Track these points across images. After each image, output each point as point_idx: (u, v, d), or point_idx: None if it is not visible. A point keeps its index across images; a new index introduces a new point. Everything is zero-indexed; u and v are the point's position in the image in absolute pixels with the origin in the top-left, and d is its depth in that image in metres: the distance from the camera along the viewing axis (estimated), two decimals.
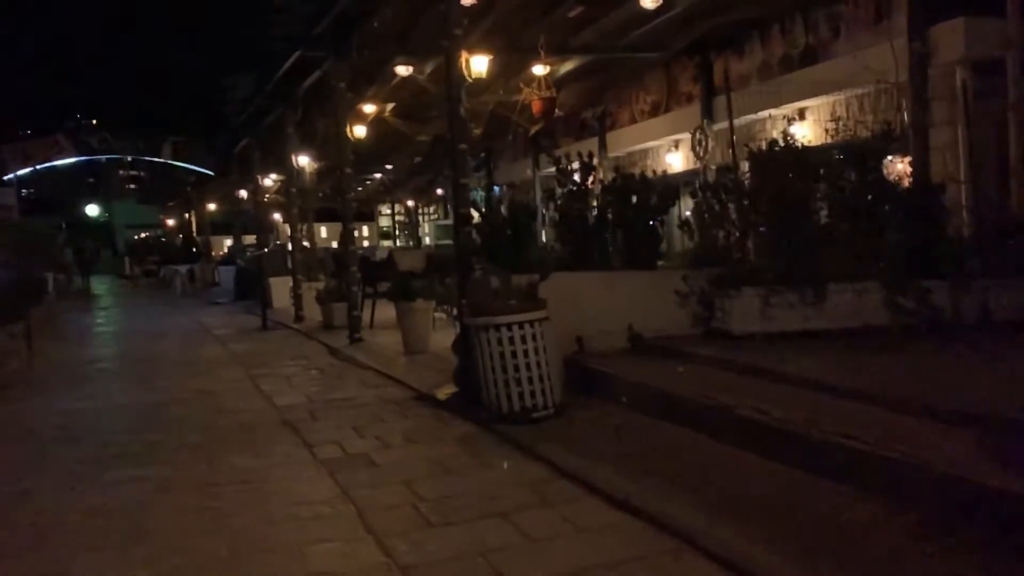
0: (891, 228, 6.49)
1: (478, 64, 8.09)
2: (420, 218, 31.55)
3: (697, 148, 12.01)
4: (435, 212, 31.69)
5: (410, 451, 5.04)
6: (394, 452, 5.01)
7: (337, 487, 4.32)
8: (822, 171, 6.56)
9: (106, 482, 4.54)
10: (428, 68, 10.99)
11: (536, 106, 9.33)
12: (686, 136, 12.95)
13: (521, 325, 5.30)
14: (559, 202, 6.47)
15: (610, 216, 6.26)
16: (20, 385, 7.93)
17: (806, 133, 9.65)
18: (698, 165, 11.83)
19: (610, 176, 7.51)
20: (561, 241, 6.48)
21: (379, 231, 38.30)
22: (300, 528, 3.74)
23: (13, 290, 11.02)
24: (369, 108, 12.73)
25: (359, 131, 11.37)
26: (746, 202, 6.32)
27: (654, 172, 7.11)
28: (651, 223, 6.31)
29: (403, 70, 10.94)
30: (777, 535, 3.21)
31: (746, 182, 6.75)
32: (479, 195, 26.75)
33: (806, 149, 6.59)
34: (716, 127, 11.72)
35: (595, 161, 7.21)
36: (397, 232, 34.75)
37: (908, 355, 5.39)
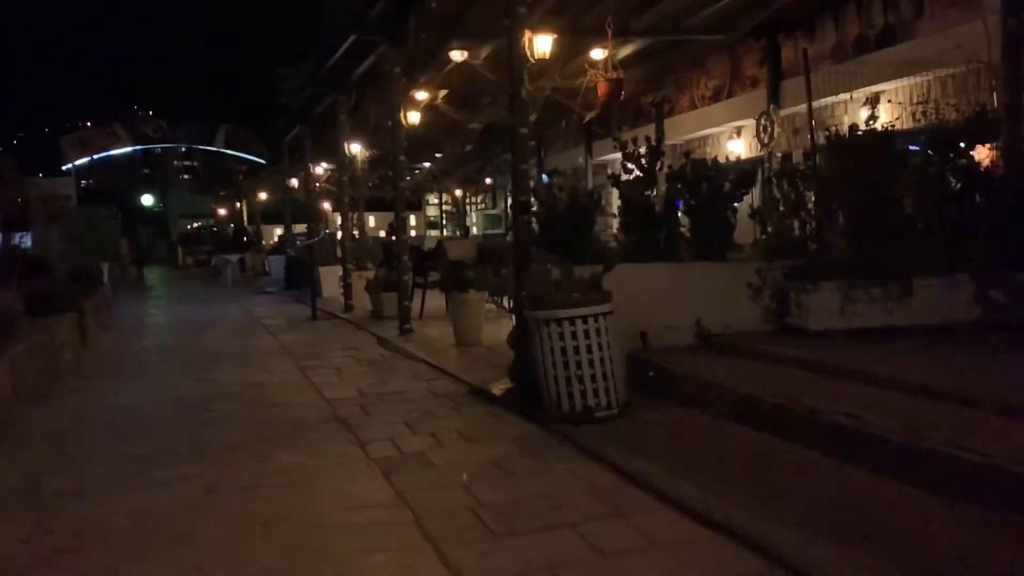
0: (983, 218, 6.01)
1: (541, 44, 7.75)
2: (468, 208, 31.34)
3: (762, 134, 11.51)
4: (482, 202, 31.48)
5: (466, 450, 4.77)
6: (450, 451, 4.75)
7: (392, 489, 4.07)
8: (910, 157, 6.12)
9: (154, 482, 4.36)
10: (484, 53, 10.66)
11: (602, 88, 8.95)
12: (749, 122, 12.46)
13: (584, 319, 5.00)
14: (623, 189, 6.12)
15: (679, 204, 5.90)
16: (72, 377, 7.88)
17: (879, 117, 9.11)
18: (762, 152, 11.33)
19: (676, 163, 7.13)
20: (625, 230, 6.13)
21: (426, 221, 38.22)
22: (355, 535, 3.50)
23: (68, 281, 11.09)
24: (421, 95, 12.46)
25: (413, 117, 11.12)
26: (825, 190, 5.89)
27: (715, 159, 6.71)
28: (724, 211, 5.92)
29: (458, 55, 10.62)
30: (882, 556, 2.86)
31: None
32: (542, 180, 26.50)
33: (889, 133, 6.13)
34: (783, 112, 11.22)
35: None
36: (444, 222, 34.62)
37: (1008, 354, 4.95)
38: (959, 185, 6.18)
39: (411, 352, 8.26)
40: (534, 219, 5.92)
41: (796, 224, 6.29)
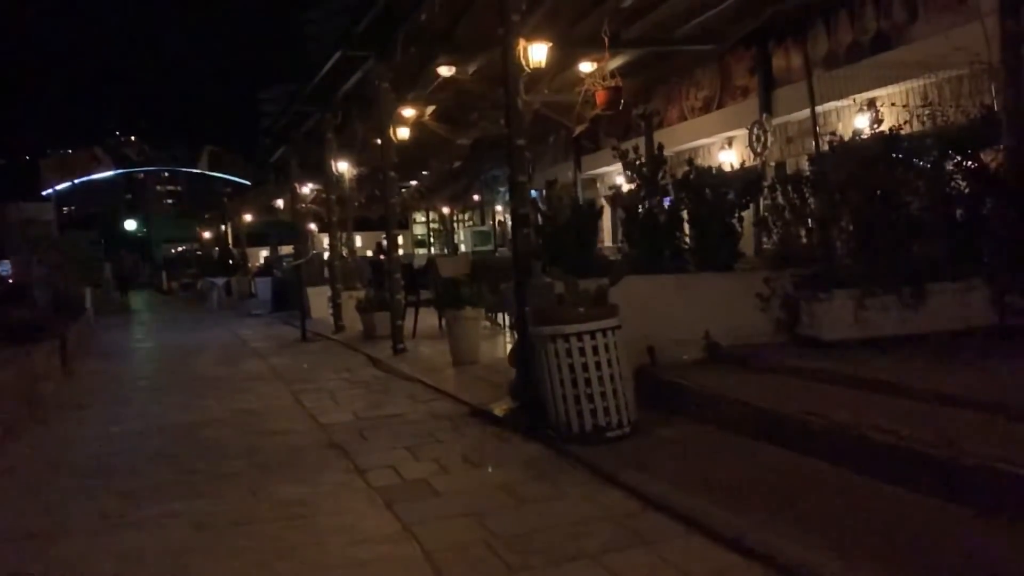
0: (995, 222, 5.85)
1: (537, 53, 7.56)
2: (455, 225, 31.15)
3: (755, 144, 11.39)
4: (470, 219, 31.29)
5: (473, 476, 4.52)
6: (455, 478, 4.49)
7: (397, 521, 3.81)
8: (917, 161, 5.96)
9: (141, 519, 4.08)
10: (472, 68, 10.51)
11: (600, 97, 8.79)
12: (740, 132, 12.35)
13: (592, 334, 4.77)
14: (626, 199, 5.92)
15: (684, 214, 5.70)
16: (54, 407, 7.56)
17: (883, 121, 8.99)
18: (756, 162, 11.19)
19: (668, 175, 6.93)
20: (628, 241, 5.92)
21: (414, 239, 38.01)
22: (360, 574, 3.24)
23: (50, 307, 10.77)
24: (409, 112, 12.30)
25: (402, 133, 10.92)
26: (835, 196, 5.71)
27: (719, 168, 6.54)
28: (729, 220, 5.73)
29: (445, 71, 10.47)
30: None
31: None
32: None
33: (896, 137, 5.97)
34: (775, 121, 11.10)
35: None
36: (432, 240, 34.40)
37: None
38: (968, 188, 6.02)
39: (406, 373, 8.00)
40: (534, 232, 5.71)
41: (803, 232, 6.11)
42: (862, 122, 9.19)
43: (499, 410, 5.82)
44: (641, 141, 14.07)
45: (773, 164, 10.68)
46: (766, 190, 6.13)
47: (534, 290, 5.46)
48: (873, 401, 4.21)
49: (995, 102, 7.06)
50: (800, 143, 11.25)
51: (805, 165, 10.91)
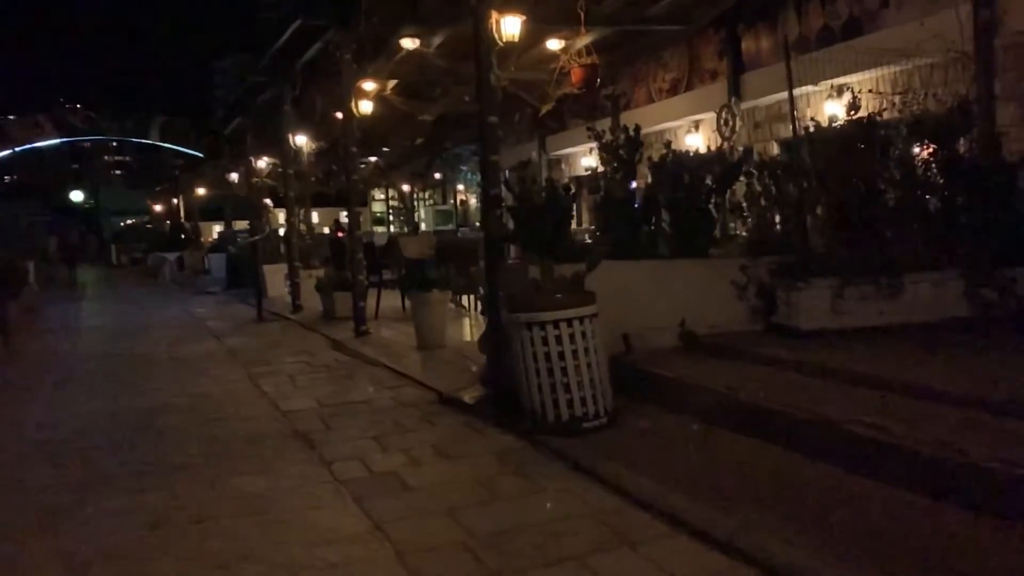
0: (971, 212, 5.82)
1: (510, 26, 7.29)
2: (416, 203, 30.71)
3: (723, 128, 11.30)
4: (430, 197, 30.86)
5: (446, 469, 4.33)
6: (428, 471, 4.30)
7: (367, 519, 3.61)
8: (894, 149, 5.89)
9: (89, 517, 3.80)
10: (437, 41, 10.17)
11: (576, 74, 8.55)
12: (707, 116, 12.25)
13: (570, 322, 4.61)
14: (601, 182, 5.74)
15: (661, 198, 5.54)
16: None
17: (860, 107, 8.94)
18: (724, 146, 11.10)
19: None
20: (603, 226, 5.76)
21: (372, 217, 37.41)
22: None
23: None
24: (370, 86, 11.90)
25: (364, 107, 10.55)
26: (813, 182, 5.61)
27: (697, 151, 6.39)
28: (706, 206, 5.60)
29: (409, 43, 10.09)
30: None
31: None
32: (477, 181, 25.99)
33: (875, 123, 5.89)
34: (744, 106, 11.02)
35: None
36: (391, 218, 33.90)
37: (1011, 351, 4.73)
38: (942, 178, 5.98)
39: (370, 356, 7.76)
40: (507, 214, 5.50)
41: (779, 219, 6.02)
42: (832, 108, 9.14)
43: (469, 397, 5.64)
44: (607, 123, 13.95)
45: (740, 149, 10.58)
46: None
47: (510, 274, 5.27)
48: (859, 395, 4.12)
49: (968, 91, 7.06)
50: (768, 128, 11.20)
51: (773, 150, 10.95)
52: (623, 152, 5.66)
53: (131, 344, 10.09)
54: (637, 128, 5.77)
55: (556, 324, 4.59)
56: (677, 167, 5.59)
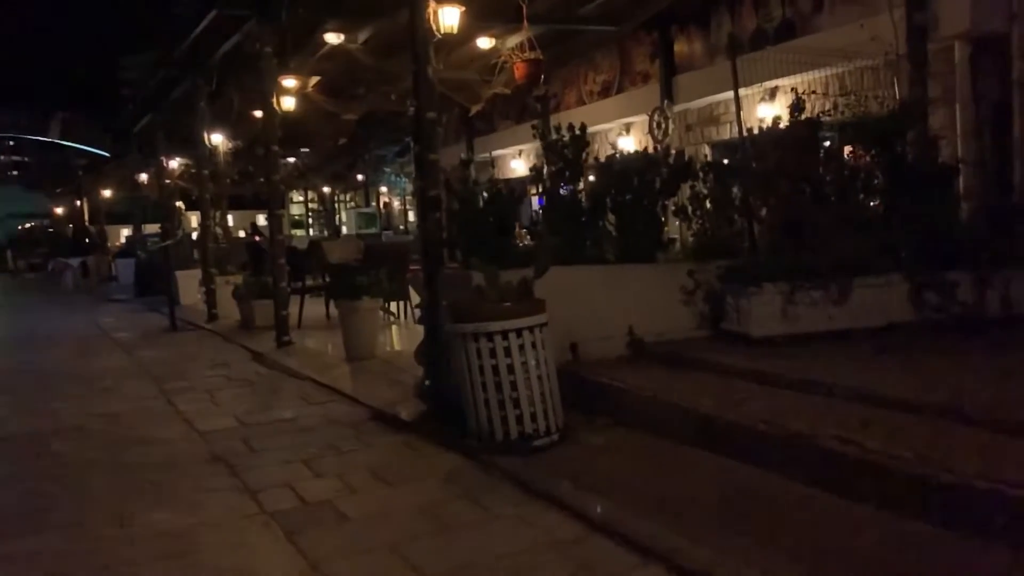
0: (913, 215, 5.78)
1: (449, 17, 6.93)
2: (336, 206, 29.95)
3: (656, 131, 11.21)
4: (351, 199, 30.13)
5: (386, 496, 3.96)
6: (366, 498, 3.92)
7: (302, 558, 3.22)
8: (836, 150, 5.82)
9: None
10: (363, 36, 9.74)
11: (520, 69, 8.25)
12: (639, 119, 12.16)
13: (519, 332, 4.30)
14: (546, 183, 5.46)
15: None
16: None
17: (776, 114, 8.94)
18: (657, 149, 10.99)
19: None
20: (548, 229, 5.47)
21: (290, 220, 36.36)
22: None
23: None
24: (290, 83, 11.34)
25: (287, 103, 10.01)
26: (759, 184, 5.47)
27: (646, 149, 6.18)
28: (654, 208, 5.39)
29: (333, 38, 9.62)
30: None
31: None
32: (401, 183, 25.48)
33: (820, 124, 5.81)
34: (676, 108, 10.96)
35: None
36: (311, 221, 33.00)
37: (966, 356, 4.66)
38: (885, 180, 5.94)
39: (294, 369, 7.27)
40: (448, 217, 5.17)
41: (724, 222, 5.86)
42: (766, 111, 9.13)
43: (407, 414, 5.27)
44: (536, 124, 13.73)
45: (674, 151, 10.50)
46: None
47: (451, 281, 4.93)
48: (821, 405, 3.95)
49: (903, 94, 7.10)
50: (700, 131, 11.17)
51: (706, 154, 10.92)
52: (568, 152, 5.39)
53: (27, 357, 9.28)
54: (584, 127, 5.53)
55: (504, 335, 4.28)
56: (624, 168, 5.35)
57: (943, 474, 2.96)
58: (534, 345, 4.34)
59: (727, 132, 10.61)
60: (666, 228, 6.55)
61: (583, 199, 5.43)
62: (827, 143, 6.12)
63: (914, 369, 4.40)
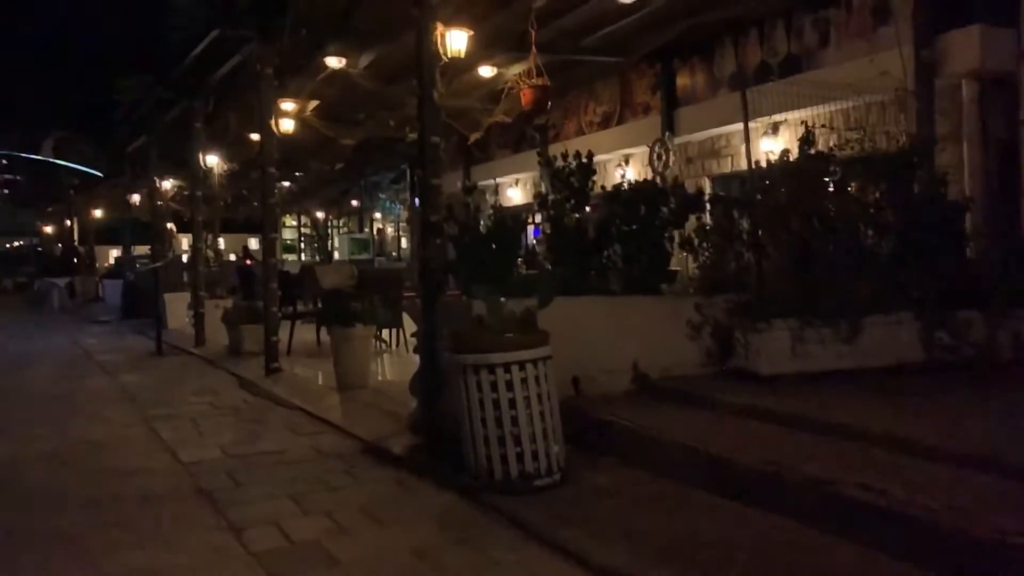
0: (925, 252, 5.65)
1: (457, 41, 6.79)
2: (329, 231, 29.77)
3: (656, 162, 11.12)
4: (345, 225, 29.96)
5: (378, 537, 3.73)
6: (357, 539, 3.68)
7: None
8: (846, 186, 5.70)
9: None
10: (365, 61, 9.66)
11: (526, 96, 8.14)
12: (638, 150, 12.08)
13: (522, 365, 4.11)
14: (551, 211, 5.30)
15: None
16: None
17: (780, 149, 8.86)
18: (657, 180, 10.91)
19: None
20: (553, 259, 5.30)
21: (282, 244, 36.17)
22: None
23: None
24: (289, 106, 11.24)
25: (286, 125, 9.88)
26: (770, 218, 5.33)
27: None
28: (662, 239, 5.23)
29: (335, 62, 9.54)
30: None
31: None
32: (395, 210, 25.35)
33: (830, 158, 5.69)
34: (677, 140, 10.88)
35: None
36: (303, 246, 32.80)
37: (987, 399, 4.50)
38: (895, 217, 5.81)
39: (283, 398, 7.03)
40: (450, 243, 5.00)
41: (732, 255, 5.71)
42: (769, 145, 9.04)
43: (399, 448, 5.04)
44: (535, 155, 13.65)
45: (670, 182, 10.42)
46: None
47: (450, 310, 4.75)
48: (839, 449, 3.76)
49: (912, 131, 7.01)
50: (700, 164, 11.09)
51: (701, 187, 10.82)
52: (575, 180, 5.24)
53: (6, 381, 8.99)
54: (590, 155, 5.40)
55: (507, 367, 4.08)
56: (631, 197, 5.20)
57: (968, 528, 2.77)
58: (537, 379, 4.15)
59: (728, 165, 10.54)
60: (678, 259, 6.44)
61: (588, 228, 5.26)
62: (833, 178, 6.01)
63: (932, 412, 4.23)
